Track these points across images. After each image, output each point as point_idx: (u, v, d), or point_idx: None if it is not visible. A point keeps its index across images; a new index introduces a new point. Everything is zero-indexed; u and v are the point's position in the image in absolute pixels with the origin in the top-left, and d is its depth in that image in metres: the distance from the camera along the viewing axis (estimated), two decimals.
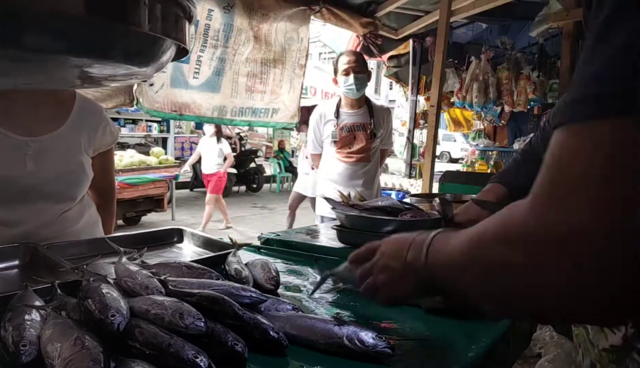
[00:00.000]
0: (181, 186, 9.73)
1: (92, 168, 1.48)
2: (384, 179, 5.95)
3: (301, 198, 6.49)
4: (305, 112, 3.86)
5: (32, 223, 1.35)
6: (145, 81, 2.49)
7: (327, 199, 1.76)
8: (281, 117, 3.34)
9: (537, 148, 1.53)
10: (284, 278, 1.18)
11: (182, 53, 0.96)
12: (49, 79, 1.00)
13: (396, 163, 10.67)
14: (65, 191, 1.41)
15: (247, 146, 12.86)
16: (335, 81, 2.88)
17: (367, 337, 0.78)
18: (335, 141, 2.86)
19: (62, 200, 1.41)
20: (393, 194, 5.54)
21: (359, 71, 2.76)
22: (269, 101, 3.21)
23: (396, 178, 6.25)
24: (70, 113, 1.43)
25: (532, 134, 1.57)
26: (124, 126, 13.01)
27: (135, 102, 2.53)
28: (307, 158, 6.31)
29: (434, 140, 3.52)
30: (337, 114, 2.87)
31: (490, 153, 6.24)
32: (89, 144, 1.47)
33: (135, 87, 2.52)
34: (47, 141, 1.36)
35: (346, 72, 2.75)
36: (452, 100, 5.46)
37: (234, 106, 3.03)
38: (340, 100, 2.91)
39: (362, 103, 2.89)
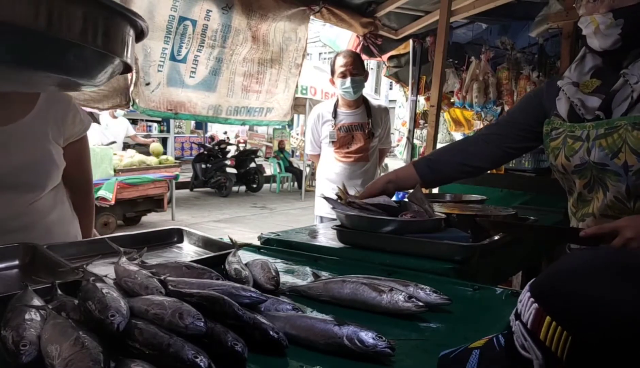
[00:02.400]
0: (181, 186, 9.72)
1: (64, 159, 1.47)
2: None
3: None
4: None
5: (1, 214, 1.34)
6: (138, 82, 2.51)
7: (327, 199, 1.76)
8: (274, 115, 3.35)
9: (471, 142, 1.64)
10: (284, 278, 1.18)
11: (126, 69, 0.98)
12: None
13: (396, 163, 10.66)
14: (34, 181, 1.40)
15: (247, 146, 12.88)
16: (333, 82, 2.88)
17: (367, 336, 0.78)
18: (333, 142, 2.86)
19: (31, 190, 1.40)
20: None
21: (356, 73, 2.76)
22: (264, 100, 3.22)
23: None
24: (37, 102, 1.41)
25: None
26: None
27: (131, 104, 2.53)
28: None
29: (434, 140, 3.51)
30: (335, 114, 2.88)
31: None
32: (58, 133, 1.45)
33: (132, 88, 2.52)
34: (12, 130, 1.35)
35: (343, 75, 2.75)
36: (452, 100, 5.45)
37: (229, 105, 3.04)
38: (337, 100, 2.92)
39: (360, 103, 2.89)
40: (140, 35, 0.91)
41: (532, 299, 0.57)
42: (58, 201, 1.51)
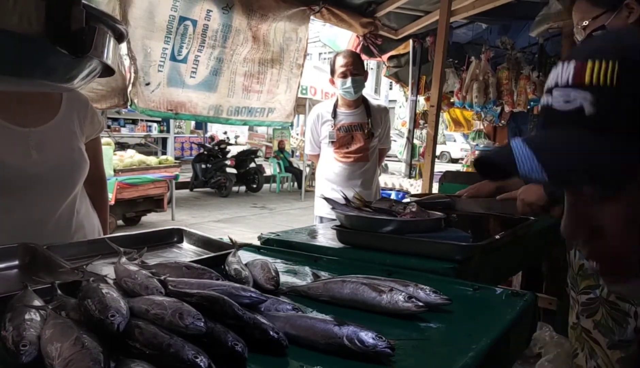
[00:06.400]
0: (181, 186, 9.72)
1: None
2: (384, 180, 5.95)
3: None
4: None
5: (40, 214, 1.39)
6: (138, 83, 2.51)
7: (327, 200, 1.76)
8: (277, 116, 3.35)
9: None
10: (283, 278, 1.18)
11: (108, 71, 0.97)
12: None
13: (396, 163, 10.67)
14: (70, 178, 1.46)
15: (247, 146, 12.87)
16: (333, 82, 2.88)
17: (367, 337, 0.78)
18: (332, 142, 2.86)
19: (67, 187, 1.46)
20: (393, 194, 5.53)
21: (357, 72, 2.75)
22: (265, 101, 3.22)
23: (396, 178, 6.24)
24: (61, 103, 1.48)
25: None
26: (123, 126, 13.01)
27: (129, 104, 2.53)
28: None
29: (434, 140, 3.52)
30: (334, 114, 2.87)
31: None
32: (81, 132, 1.52)
33: (130, 88, 2.51)
34: (47, 131, 1.41)
35: (343, 75, 2.75)
36: (452, 100, 5.45)
37: (230, 105, 3.04)
38: (337, 100, 2.91)
39: (360, 103, 2.88)
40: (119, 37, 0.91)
41: (566, 62, 0.58)
42: (82, 197, 1.57)
